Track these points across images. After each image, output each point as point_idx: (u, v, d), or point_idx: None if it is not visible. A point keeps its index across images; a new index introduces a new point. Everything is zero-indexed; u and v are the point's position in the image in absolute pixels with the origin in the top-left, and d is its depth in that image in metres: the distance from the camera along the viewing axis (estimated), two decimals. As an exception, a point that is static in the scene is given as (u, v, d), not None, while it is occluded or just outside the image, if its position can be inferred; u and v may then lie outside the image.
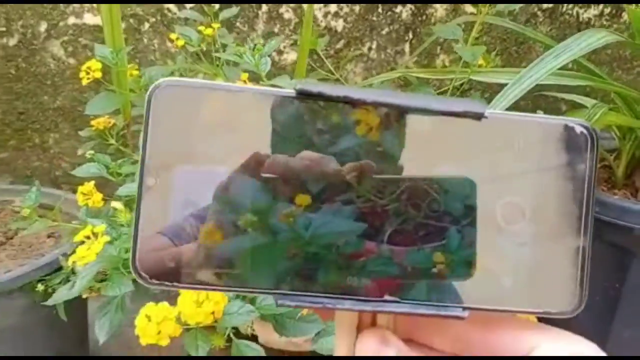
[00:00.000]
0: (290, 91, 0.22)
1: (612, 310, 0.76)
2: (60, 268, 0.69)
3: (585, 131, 0.22)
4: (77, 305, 0.74)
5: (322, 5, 1.11)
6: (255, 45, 0.52)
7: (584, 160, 0.22)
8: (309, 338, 0.71)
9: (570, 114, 0.82)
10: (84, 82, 0.65)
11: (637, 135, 0.84)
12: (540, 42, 0.83)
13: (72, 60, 1.08)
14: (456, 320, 0.23)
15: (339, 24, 1.14)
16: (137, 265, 0.21)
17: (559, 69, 0.67)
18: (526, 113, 0.23)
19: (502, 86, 0.68)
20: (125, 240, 0.47)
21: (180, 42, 0.67)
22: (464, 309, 0.22)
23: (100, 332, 0.53)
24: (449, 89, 0.81)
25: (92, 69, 0.64)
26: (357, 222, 0.22)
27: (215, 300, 0.40)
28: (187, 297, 0.39)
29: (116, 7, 0.68)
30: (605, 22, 1.24)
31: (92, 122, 0.76)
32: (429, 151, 0.22)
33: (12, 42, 1.05)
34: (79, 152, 0.76)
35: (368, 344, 0.23)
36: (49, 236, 0.83)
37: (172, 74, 0.70)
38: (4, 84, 1.07)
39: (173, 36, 0.68)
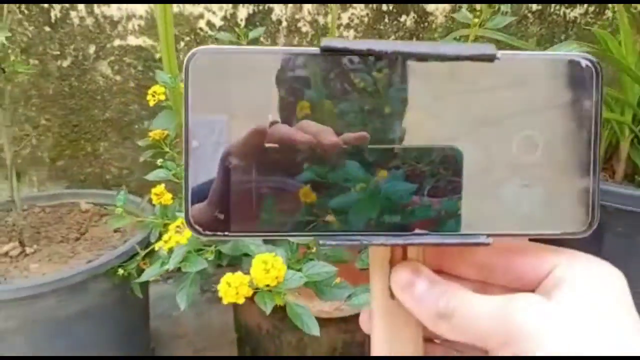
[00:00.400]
0: (316, 49, 0.23)
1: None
2: (133, 256, 0.84)
3: (590, 64, 0.23)
4: (143, 290, 0.89)
5: (335, 17, 1.25)
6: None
7: (591, 89, 0.23)
8: (338, 307, 0.85)
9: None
10: (151, 103, 0.80)
11: (612, 125, 0.98)
12: (525, 49, 0.96)
13: (118, 77, 1.23)
14: (481, 248, 0.24)
15: (350, 34, 1.28)
16: (190, 220, 0.23)
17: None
18: (535, 51, 0.24)
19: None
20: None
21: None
22: (488, 236, 0.24)
23: (180, 302, 0.68)
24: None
25: (157, 93, 0.78)
26: (408, 182, 0.23)
27: (278, 268, 0.54)
28: (258, 266, 0.54)
29: (171, 35, 0.82)
30: (590, 20, 1.36)
31: (150, 134, 0.90)
32: (450, 98, 0.23)
33: (66, 63, 1.20)
34: (141, 159, 0.91)
35: (401, 275, 0.24)
36: (115, 231, 0.99)
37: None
38: (60, 100, 1.23)
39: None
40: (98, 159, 1.29)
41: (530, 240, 0.24)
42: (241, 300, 0.56)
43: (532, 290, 0.24)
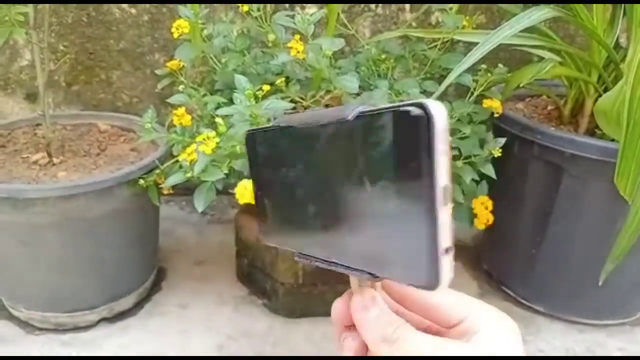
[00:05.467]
0: (274, 125, 0.32)
1: (549, 212, 1.04)
2: (152, 170, 0.96)
3: (421, 114, 0.22)
4: (159, 199, 1.01)
5: None
6: (304, 15, 0.77)
7: (421, 141, 0.22)
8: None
9: (531, 66, 1.06)
10: (175, 35, 0.90)
11: (579, 85, 1.10)
12: (509, 10, 1.07)
13: (133, 10, 1.31)
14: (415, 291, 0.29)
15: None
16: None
17: (522, 31, 0.92)
18: (383, 105, 0.24)
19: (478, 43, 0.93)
20: (224, 141, 0.74)
21: (245, 8, 0.92)
22: (367, 272, 0.27)
23: (197, 204, 0.80)
24: (438, 45, 1.06)
25: (181, 26, 0.89)
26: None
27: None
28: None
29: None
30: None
31: (167, 64, 1.00)
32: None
33: (85, -6, 1.29)
34: (159, 86, 1.01)
35: (358, 299, 0.30)
36: (132, 150, 1.10)
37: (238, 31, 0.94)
38: (78, 29, 1.31)
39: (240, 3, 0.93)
40: (111, 87, 1.39)
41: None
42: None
43: (447, 327, 0.30)
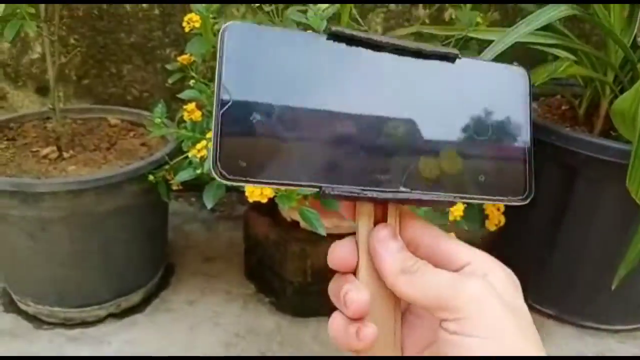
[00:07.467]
0: (322, 34, 0.29)
1: (562, 214, 1.03)
2: (161, 165, 0.95)
3: (524, 72, 0.32)
4: (168, 195, 1.00)
5: None
6: (316, 11, 0.76)
7: (525, 90, 0.32)
8: (337, 224, 0.97)
9: (546, 65, 1.05)
10: (186, 29, 0.89)
11: (595, 84, 1.08)
12: (524, 8, 1.06)
13: (144, 5, 1.31)
14: (418, 229, 0.31)
15: None
16: (217, 166, 0.26)
17: (537, 29, 0.91)
18: (486, 59, 0.33)
19: (492, 41, 0.92)
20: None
21: (257, 3, 0.91)
22: (455, 197, 0.30)
23: (207, 200, 0.80)
24: (452, 42, 1.05)
25: (192, 20, 0.88)
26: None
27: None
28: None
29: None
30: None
31: (178, 58, 0.99)
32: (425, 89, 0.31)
33: (97, -13, 1.28)
34: (170, 81, 1.01)
35: (381, 232, 0.30)
36: (142, 144, 1.10)
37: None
38: (89, 22, 1.31)
39: (252, -3, 0.92)
40: (121, 80, 1.38)
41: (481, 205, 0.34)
42: (264, 199, 0.68)
43: (454, 271, 0.30)
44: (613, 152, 0.91)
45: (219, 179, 0.26)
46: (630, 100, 0.87)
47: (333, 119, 0.28)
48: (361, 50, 0.29)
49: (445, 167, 0.30)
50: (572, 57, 1.05)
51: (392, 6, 1.37)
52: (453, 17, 1.41)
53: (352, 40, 0.29)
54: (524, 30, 0.85)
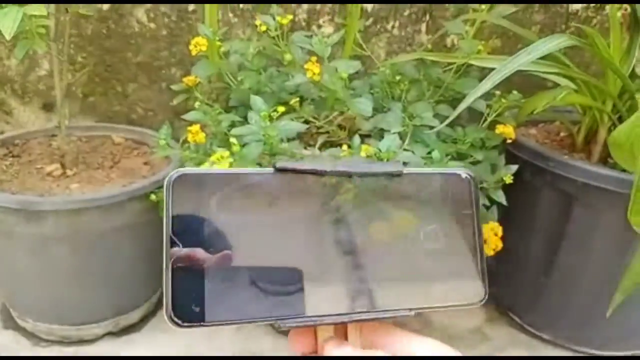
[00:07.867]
0: (269, 169, 0.30)
1: (560, 240, 1.03)
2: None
3: (468, 177, 0.33)
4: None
5: None
6: (321, 37, 0.78)
7: (471, 195, 0.32)
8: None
9: (546, 93, 1.06)
10: (193, 52, 0.91)
11: (594, 113, 1.09)
12: (525, 37, 1.08)
13: (152, 25, 1.33)
14: (377, 329, 0.31)
15: (369, 5, 1.38)
16: (171, 315, 0.27)
17: (539, 58, 0.92)
18: (431, 168, 0.33)
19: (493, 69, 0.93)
20: (237, 160, 0.74)
21: (263, 28, 0.92)
22: (411, 310, 0.31)
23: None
24: (453, 68, 1.07)
25: (199, 44, 0.90)
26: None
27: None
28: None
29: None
30: (590, 14, 1.47)
31: (184, 79, 1.01)
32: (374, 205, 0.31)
33: (106, 7, 1.30)
34: (175, 101, 1.02)
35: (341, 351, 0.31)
36: (144, 163, 1.11)
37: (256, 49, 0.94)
38: (97, 41, 1.33)
39: (258, 22, 0.93)
40: (126, 99, 1.40)
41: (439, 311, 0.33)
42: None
43: None
44: (611, 180, 0.92)
45: (174, 328, 0.28)
46: (628, 131, 0.89)
47: (282, 256, 0.29)
48: (308, 178, 0.30)
49: (400, 284, 0.31)
50: (571, 85, 1.06)
51: (395, 31, 1.39)
52: (455, 42, 1.43)
53: (297, 172, 0.30)
54: (525, 59, 0.87)
